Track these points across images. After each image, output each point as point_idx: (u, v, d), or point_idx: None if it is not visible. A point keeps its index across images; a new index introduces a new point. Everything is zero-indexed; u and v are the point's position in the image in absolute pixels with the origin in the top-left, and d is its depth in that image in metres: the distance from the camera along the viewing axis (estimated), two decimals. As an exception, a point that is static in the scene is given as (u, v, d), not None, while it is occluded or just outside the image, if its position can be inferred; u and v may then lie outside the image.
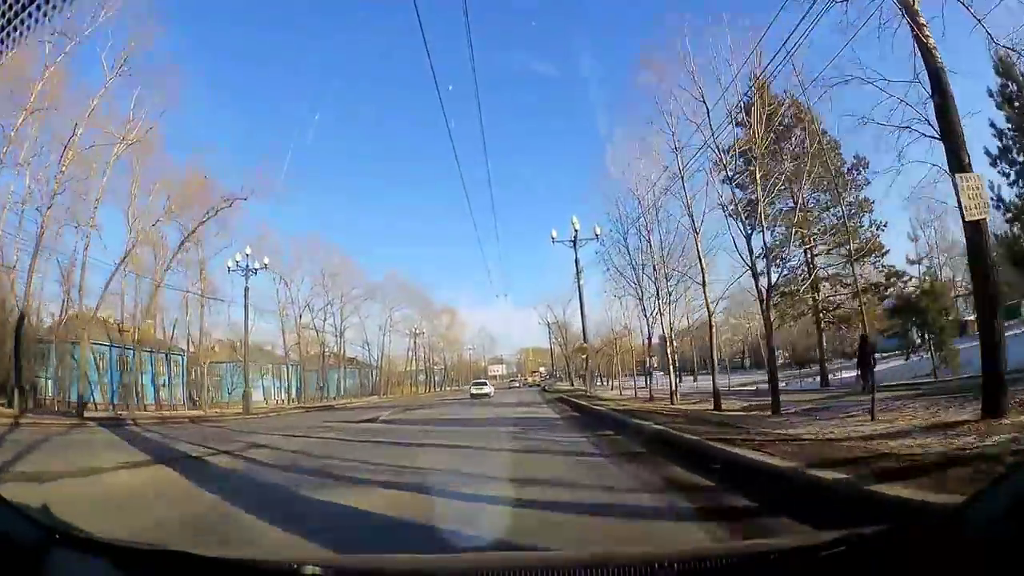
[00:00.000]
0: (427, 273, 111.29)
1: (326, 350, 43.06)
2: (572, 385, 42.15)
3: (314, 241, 41.63)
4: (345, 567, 1.80)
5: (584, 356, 23.77)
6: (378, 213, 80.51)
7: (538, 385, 59.29)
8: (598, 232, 20.01)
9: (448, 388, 64.20)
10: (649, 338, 17.77)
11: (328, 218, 76.70)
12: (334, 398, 40.92)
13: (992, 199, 12.87)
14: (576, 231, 21.49)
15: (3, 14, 2.08)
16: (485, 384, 33.71)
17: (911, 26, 6.05)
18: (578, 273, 22.14)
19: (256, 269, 26.22)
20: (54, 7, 2.09)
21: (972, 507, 1.34)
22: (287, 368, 40.34)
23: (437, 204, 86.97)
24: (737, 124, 11.41)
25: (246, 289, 26.28)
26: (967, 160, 6.02)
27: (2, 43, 2.11)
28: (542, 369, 77.05)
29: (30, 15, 2.09)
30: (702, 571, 1.53)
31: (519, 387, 60.41)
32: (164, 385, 29.03)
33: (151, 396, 27.96)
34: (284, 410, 27.15)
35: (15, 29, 2.11)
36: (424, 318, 54.97)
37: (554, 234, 21.66)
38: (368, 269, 51.08)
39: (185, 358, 31.21)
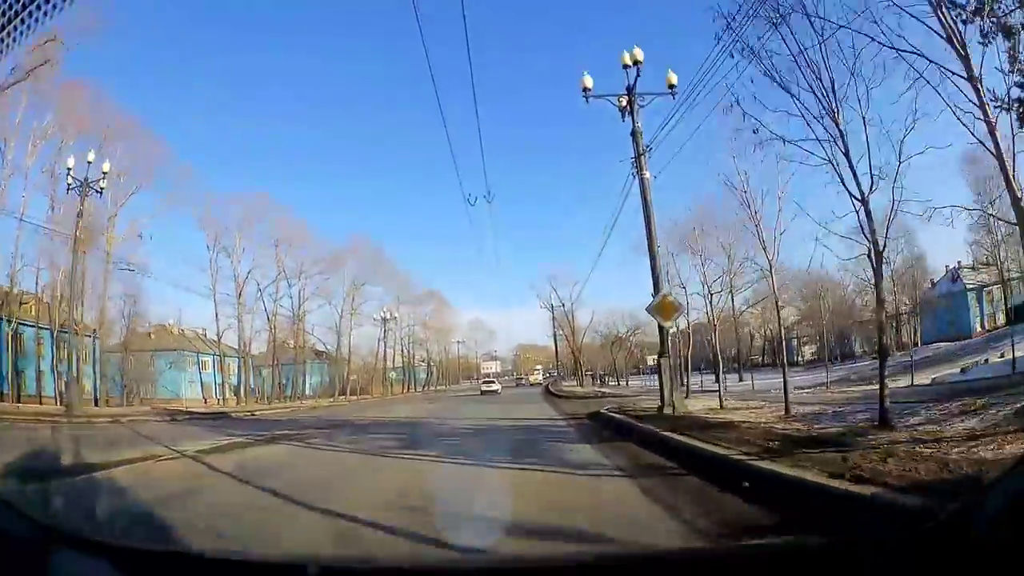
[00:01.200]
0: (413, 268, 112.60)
1: (288, 340, 42.91)
2: (583, 387, 41.27)
3: (262, 202, 39.90)
4: (345, 567, 2.09)
5: (670, 321, 13.01)
6: (348, 189, 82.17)
7: (540, 384, 59.44)
8: (674, 82, 12.99)
9: (433, 388, 64.64)
10: (876, 250, 7.35)
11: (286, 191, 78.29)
12: (287, 398, 41.42)
13: None
14: (638, 66, 12.98)
15: (3, 13, 2.72)
16: (493, 382, 48.20)
17: None
18: (638, 156, 13.15)
19: (99, 188, 22.63)
20: (54, 7, 2.72)
21: (972, 509, 1.53)
22: (219, 358, 40.18)
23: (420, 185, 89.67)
24: None
25: (79, 212, 22.64)
26: None
27: (2, 42, 2.75)
28: (539, 367, 78.82)
29: (30, 14, 2.73)
30: (701, 571, 1.72)
31: (526, 385, 62.92)
32: (60, 373, 28.14)
33: (51, 386, 27.96)
34: (132, 415, 21.64)
35: (15, 28, 2.75)
36: (403, 302, 54.04)
37: (587, 83, 13.53)
38: (333, 241, 50.38)
39: (97, 341, 31.05)
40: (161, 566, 1.81)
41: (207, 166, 70.57)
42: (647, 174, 13.40)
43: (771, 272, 11.56)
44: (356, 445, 9.97)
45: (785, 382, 11.01)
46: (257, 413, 25.79)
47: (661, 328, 13.02)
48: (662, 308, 12.46)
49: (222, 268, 37.32)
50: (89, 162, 22.43)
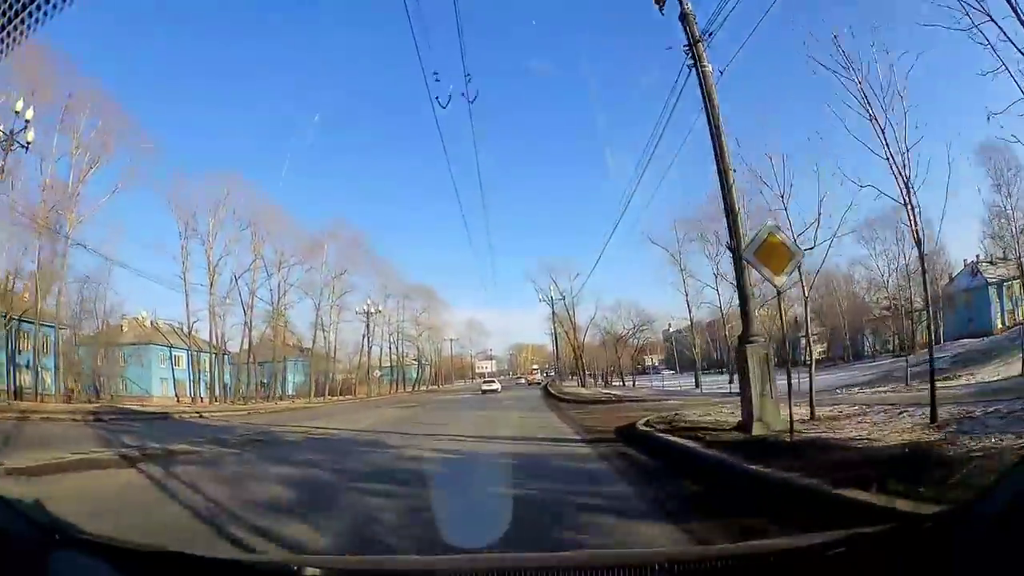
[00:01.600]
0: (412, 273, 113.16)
1: (268, 335, 42.84)
2: (587, 388, 40.87)
3: (234, 182, 38.77)
4: (345, 567, 2.23)
5: (783, 276, 7.39)
6: (341, 187, 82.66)
7: (538, 384, 59.81)
8: None
9: (424, 388, 64.58)
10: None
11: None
12: (266, 398, 41.25)
13: None
14: None
15: (3, 13, 2.68)
16: (493, 382, 51.03)
17: None
18: (693, 44, 9.62)
19: (25, 142, 21.35)
20: (54, 7, 2.69)
21: (969, 510, 1.66)
22: (193, 354, 39.94)
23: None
24: None
25: (1, 169, 21.78)
26: None
27: (2, 43, 2.71)
28: (535, 367, 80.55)
29: (30, 15, 2.69)
30: (700, 571, 1.80)
31: (525, 385, 63.84)
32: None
33: (5, 379, 27.92)
34: (55, 413, 19.96)
35: (15, 28, 2.71)
36: (391, 295, 54.18)
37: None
38: (313, 228, 48.88)
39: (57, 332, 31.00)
40: (161, 566, 1.87)
41: (176, 144, 69.82)
42: (708, 67, 9.67)
43: (908, 203, 7.90)
44: (224, 488, 6.33)
45: (933, 380, 7.73)
46: (207, 414, 23.77)
47: (744, 293, 8.99)
48: (769, 252, 7.34)
49: (193, 254, 36.96)
50: (16, 112, 21.41)
